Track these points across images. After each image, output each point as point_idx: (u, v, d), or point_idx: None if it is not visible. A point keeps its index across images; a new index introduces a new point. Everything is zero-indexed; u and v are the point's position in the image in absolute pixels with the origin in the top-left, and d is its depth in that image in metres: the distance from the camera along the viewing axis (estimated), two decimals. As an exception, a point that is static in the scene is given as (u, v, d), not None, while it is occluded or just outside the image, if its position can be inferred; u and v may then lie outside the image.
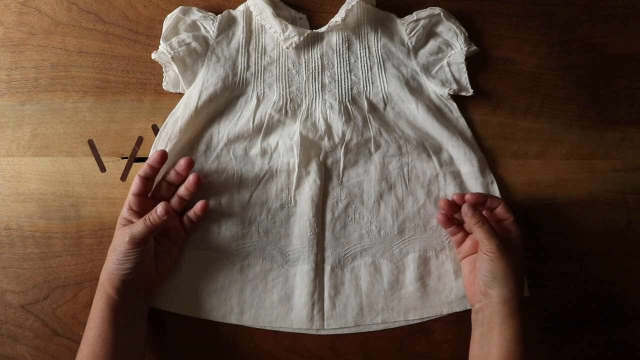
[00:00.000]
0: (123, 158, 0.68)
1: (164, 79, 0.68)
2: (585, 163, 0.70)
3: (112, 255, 0.57)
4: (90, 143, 0.69)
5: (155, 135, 0.68)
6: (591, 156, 0.70)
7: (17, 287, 0.66)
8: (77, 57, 0.70)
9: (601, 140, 0.71)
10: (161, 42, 0.67)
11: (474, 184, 0.66)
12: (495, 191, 0.66)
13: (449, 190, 0.66)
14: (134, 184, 0.60)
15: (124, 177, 0.68)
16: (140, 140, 0.69)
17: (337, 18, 0.67)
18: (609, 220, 0.69)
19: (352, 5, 0.67)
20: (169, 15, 0.68)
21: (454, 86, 0.68)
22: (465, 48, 0.68)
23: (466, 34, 0.69)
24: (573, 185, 0.70)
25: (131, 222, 0.59)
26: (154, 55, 0.67)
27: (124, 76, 0.70)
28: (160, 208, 0.57)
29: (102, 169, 0.68)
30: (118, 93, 0.69)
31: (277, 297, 0.63)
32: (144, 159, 0.68)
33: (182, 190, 0.63)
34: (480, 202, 0.62)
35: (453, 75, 0.69)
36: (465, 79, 0.69)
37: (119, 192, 0.67)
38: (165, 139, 0.65)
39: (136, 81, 0.69)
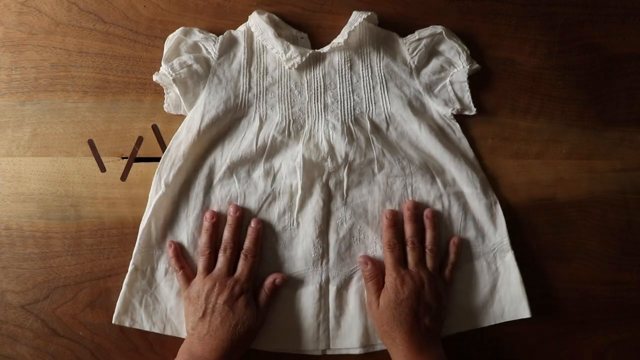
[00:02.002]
0: (123, 158, 0.69)
1: (165, 101, 0.68)
2: (585, 163, 0.70)
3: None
4: (90, 143, 0.69)
5: (156, 135, 0.69)
6: (591, 156, 0.70)
7: (17, 287, 0.66)
8: (77, 57, 0.70)
9: (601, 140, 0.71)
10: (162, 63, 0.66)
11: (477, 205, 0.66)
12: (499, 211, 0.66)
13: (453, 211, 0.65)
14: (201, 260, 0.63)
15: (124, 177, 0.68)
16: (140, 140, 0.69)
17: (340, 39, 0.67)
18: (609, 220, 0.69)
19: (355, 27, 0.67)
20: (170, 36, 0.68)
21: (457, 105, 0.68)
22: (468, 66, 0.68)
23: (468, 52, 0.69)
24: (573, 185, 0.70)
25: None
26: (155, 77, 0.66)
27: (124, 76, 0.70)
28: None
29: (102, 169, 0.68)
30: (118, 93, 0.69)
31: (282, 318, 0.62)
32: (144, 159, 0.68)
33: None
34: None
35: (456, 94, 0.68)
36: (468, 97, 0.68)
37: (119, 192, 0.67)
38: (169, 164, 0.65)
39: (136, 81, 0.70)
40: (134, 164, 0.68)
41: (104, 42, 0.70)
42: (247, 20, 0.70)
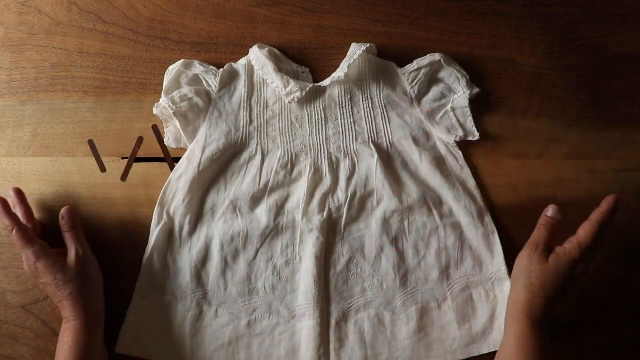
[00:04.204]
0: (123, 158, 0.69)
1: (164, 134, 0.68)
2: (585, 163, 0.70)
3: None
4: (90, 143, 0.69)
5: (156, 135, 0.69)
6: (591, 156, 0.70)
7: (17, 287, 0.66)
8: (77, 57, 0.70)
9: (601, 140, 0.71)
10: (162, 96, 0.66)
11: (475, 234, 0.66)
12: (496, 240, 0.66)
13: (449, 242, 0.65)
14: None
15: (124, 177, 0.68)
16: (140, 140, 0.69)
17: (340, 73, 0.66)
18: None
19: (354, 59, 0.66)
20: (170, 68, 0.67)
21: (460, 132, 0.68)
22: (468, 91, 0.68)
23: (467, 77, 0.68)
24: (573, 185, 0.70)
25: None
26: (155, 110, 0.66)
27: (124, 76, 0.70)
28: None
29: (102, 169, 0.68)
30: (118, 93, 0.69)
31: (284, 351, 0.63)
32: (144, 159, 0.68)
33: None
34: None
35: (458, 120, 0.68)
36: (470, 122, 0.68)
37: (119, 192, 0.67)
38: (170, 195, 0.65)
39: (136, 81, 0.70)
40: (134, 164, 0.68)
41: (104, 42, 0.70)
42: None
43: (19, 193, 0.64)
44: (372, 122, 0.68)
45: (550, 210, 0.63)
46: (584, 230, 0.59)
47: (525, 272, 0.60)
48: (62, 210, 0.62)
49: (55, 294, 0.59)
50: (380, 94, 0.69)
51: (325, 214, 0.65)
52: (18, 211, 0.63)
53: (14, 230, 0.59)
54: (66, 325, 0.59)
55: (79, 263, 0.60)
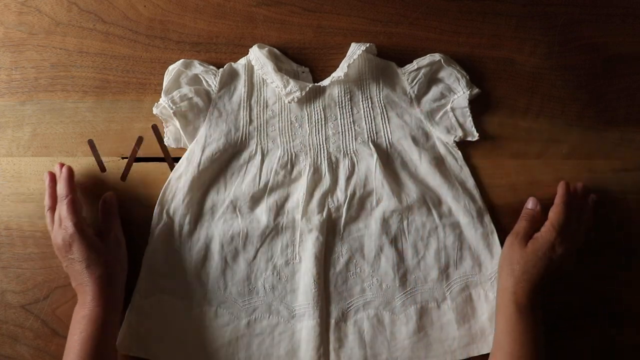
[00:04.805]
0: (123, 158, 0.69)
1: (164, 135, 0.68)
2: (585, 163, 0.70)
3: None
4: (90, 143, 0.69)
5: (156, 135, 0.69)
6: (591, 156, 0.70)
7: (17, 287, 0.66)
8: (77, 57, 0.70)
9: (601, 140, 0.71)
10: (162, 96, 0.66)
11: (474, 234, 0.66)
12: (495, 240, 0.66)
13: (449, 242, 0.65)
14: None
15: (124, 177, 0.68)
16: (140, 140, 0.69)
17: (340, 73, 0.66)
18: (609, 220, 0.69)
19: (354, 59, 0.66)
20: (170, 68, 0.68)
21: (459, 132, 0.68)
22: (468, 92, 0.68)
23: (467, 77, 0.69)
24: (573, 185, 0.69)
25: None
26: (155, 110, 0.66)
27: (124, 76, 0.70)
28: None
29: (102, 169, 0.68)
30: (118, 93, 0.69)
31: (283, 351, 0.63)
32: (144, 159, 0.68)
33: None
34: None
35: (457, 120, 0.68)
36: (469, 122, 0.68)
37: (119, 192, 0.67)
38: (170, 195, 0.65)
39: (136, 81, 0.70)
40: (134, 164, 0.68)
41: (104, 42, 0.70)
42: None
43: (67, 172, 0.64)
44: (371, 122, 0.68)
45: (530, 203, 0.66)
46: (553, 213, 0.62)
47: (508, 260, 0.62)
48: (106, 195, 0.64)
49: (81, 274, 0.58)
50: (380, 94, 0.69)
51: (324, 214, 0.65)
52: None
53: (67, 199, 0.60)
54: (83, 312, 0.58)
55: (115, 248, 0.61)
